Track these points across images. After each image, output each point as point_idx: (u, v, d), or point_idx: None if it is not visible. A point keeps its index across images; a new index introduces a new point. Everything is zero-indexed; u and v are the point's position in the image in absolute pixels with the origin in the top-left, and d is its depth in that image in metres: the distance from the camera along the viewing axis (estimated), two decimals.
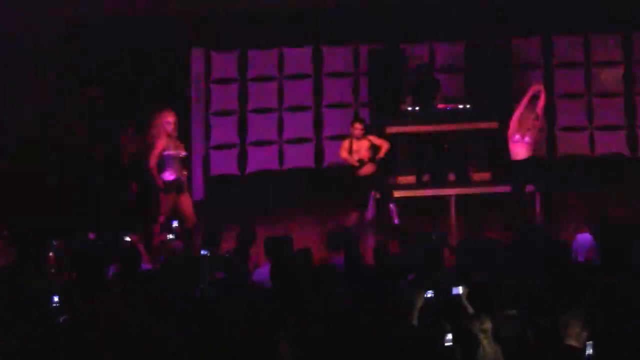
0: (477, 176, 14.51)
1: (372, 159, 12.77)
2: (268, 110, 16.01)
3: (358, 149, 12.74)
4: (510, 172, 12.74)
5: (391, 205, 12.75)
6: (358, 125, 12.91)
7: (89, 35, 14.80)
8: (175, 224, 10.27)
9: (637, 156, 15.66)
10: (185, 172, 11.87)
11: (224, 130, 16.03)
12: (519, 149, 12.44)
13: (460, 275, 7.34)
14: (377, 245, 9.19)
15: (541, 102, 12.61)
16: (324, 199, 14.19)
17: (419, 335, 6.21)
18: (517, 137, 12.42)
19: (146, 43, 15.05)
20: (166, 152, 11.55)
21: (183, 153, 11.82)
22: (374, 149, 12.89)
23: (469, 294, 6.69)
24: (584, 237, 9.11)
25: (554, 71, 16.04)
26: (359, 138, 12.78)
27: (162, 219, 11.38)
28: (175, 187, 11.61)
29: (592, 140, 15.80)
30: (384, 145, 12.97)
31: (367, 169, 12.72)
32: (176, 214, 11.42)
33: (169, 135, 11.57)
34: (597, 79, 15.91)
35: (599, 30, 15.83)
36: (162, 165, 11.58)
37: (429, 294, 6.59)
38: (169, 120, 11.62)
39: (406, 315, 6.52)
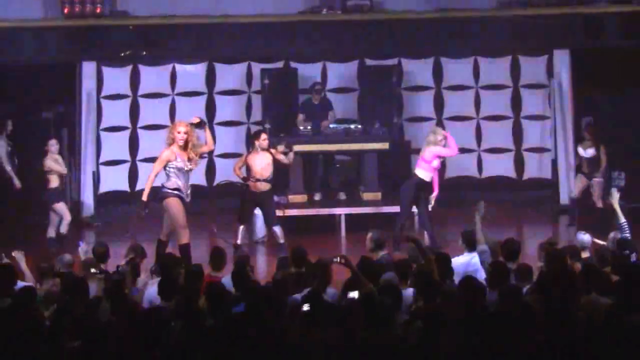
0: (368, 196, 14.37)
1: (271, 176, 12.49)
2: (159, 127, 15.69)
3: (257, 164, 12.34)
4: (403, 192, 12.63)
5: (275, 228, 12.40)
6: (264, 136, 12.59)
7: None
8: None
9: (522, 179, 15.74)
10: (189, 186, 11.23)
11: (115, 147, 15.68)
12: (427, 173, 12.36)
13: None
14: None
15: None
16: (214, 215, 13.89)
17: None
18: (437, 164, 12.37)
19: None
20: (172, 163, 10.98)
21: (192, 166, 11.14)
22: (279, 166, 12.60)
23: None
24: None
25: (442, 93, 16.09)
26: (263, 149, 12.41)
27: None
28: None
29: (479, 162, 15.84)
30: (288, 161, 12.77)
31: (261, 186, 12.38)
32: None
33: (180, 147, 11.00)
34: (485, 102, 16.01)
35: (487, 55, 15.91)
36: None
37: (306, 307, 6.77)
38: (179, 130, 11.05)
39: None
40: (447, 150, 12.42)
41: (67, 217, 13.16)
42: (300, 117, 14.82)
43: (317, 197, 14.62)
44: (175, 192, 10.96)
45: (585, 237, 9.41)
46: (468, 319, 6.53)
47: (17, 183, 13.53)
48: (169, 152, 10.98)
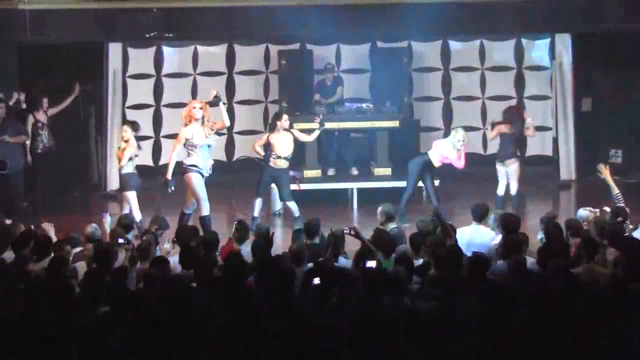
0: (379, 171, 14.41)
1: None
2: (182, 105, 15.68)
3: (279, 142, 12.37)
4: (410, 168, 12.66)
5: (288, 204, 12.43)
6: (286, 117, 12.61)
7: None
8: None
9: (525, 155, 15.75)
10: (211, 161, 11.36)
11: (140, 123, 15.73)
12: (437, 158, 12.35)
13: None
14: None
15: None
16: (234, 189, 13.95)
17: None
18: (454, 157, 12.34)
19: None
20: (191, 141, 11.11)
21: (211, 142, 11.31)
22: (296, 142, 12.64)
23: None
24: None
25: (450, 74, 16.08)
26: (285, 130, 12.45)
27: None
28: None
29: (485, 140, 15.84)
30: (310, 139, 12.88)
31: (280, 163, 12.41)
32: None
33: (197, 121, 11.14)
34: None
35: (492, 39, 15.89)
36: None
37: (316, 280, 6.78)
38: (194, 106, 11.24)
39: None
40: (456, 159, 12.34)
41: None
42: (316, 96, 14.86)
43: (330, 172, 14.66)
44: (194, 167, 11.06)
45: (584, 212, 9.49)
46: (479, 288, 6.55)
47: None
48: (187, 130, 11.11)
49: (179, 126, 11.33)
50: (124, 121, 11.61)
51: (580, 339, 5.94)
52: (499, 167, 12.48)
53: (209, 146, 11.25)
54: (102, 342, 6.06)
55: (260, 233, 9.03)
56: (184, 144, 11.14)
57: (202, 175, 11.15)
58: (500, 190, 12.39)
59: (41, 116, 13.74)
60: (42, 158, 13.78)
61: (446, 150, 12.30)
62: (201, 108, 11.15)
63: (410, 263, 7.56)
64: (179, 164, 11.21)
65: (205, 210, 11.04)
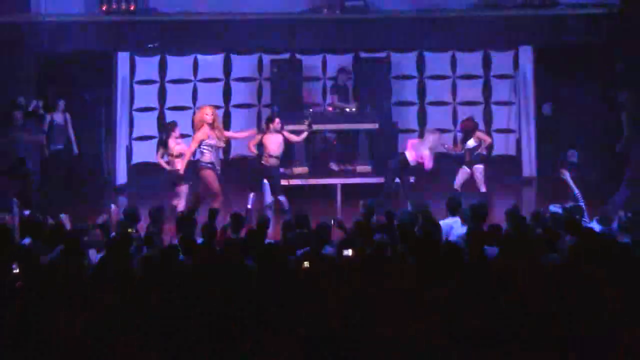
0: (360, 168, 14.43)
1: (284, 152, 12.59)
2: (183, 108, 15.75)
3: (271, 142, 12.40)
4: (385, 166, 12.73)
5: (280, 198, 12.44)
6: (278, 120, 12.63)
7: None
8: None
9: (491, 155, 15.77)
10: (219, 161, 11.95)
11: (145, 124, 15.74)
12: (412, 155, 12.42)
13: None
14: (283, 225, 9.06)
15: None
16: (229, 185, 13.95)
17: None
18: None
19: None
20: (206, 142, 11.52)
21: (222, 144, 11.85)
22: (286, 143, 12.67)
23: None
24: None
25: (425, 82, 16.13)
26: (277, 131, 12.49)
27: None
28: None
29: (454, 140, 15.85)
30: (298, 139, 12.85)
31: (272, 161, 12.43)
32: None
33: (210, 126, 11.57)
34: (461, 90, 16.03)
35: (463, 50, 15.94)
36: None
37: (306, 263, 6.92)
38: (207, 112, 11.67)
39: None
40: (426, 158, 12.42)
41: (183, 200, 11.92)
42: (333, 98, 15.06)
43: (316, 169, 14.63)
44: (210, 165, 11.46)
45: (555, 207, 9.61)
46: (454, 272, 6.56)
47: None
48: (201, 133, 11.51)
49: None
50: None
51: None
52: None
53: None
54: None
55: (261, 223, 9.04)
56: (199, 145, 11.57)
57: (216, 172, 11.56)
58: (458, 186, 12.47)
59: (59, 117, 13.73)
60: (58, 155, 13.78)
61: (420, 150, 12.33)
62: (212, 113, 11.61)
63: (386, 249, 7.55)
64: (193, 163, 11.63)
65: (217, 203, 11.30)
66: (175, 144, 12.03)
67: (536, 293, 6.01)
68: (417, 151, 12.40)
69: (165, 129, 12.62)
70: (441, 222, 8.93)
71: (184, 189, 11.87)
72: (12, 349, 5.45)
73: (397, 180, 12.78)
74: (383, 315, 5.58)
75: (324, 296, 6.04)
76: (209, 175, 11.47)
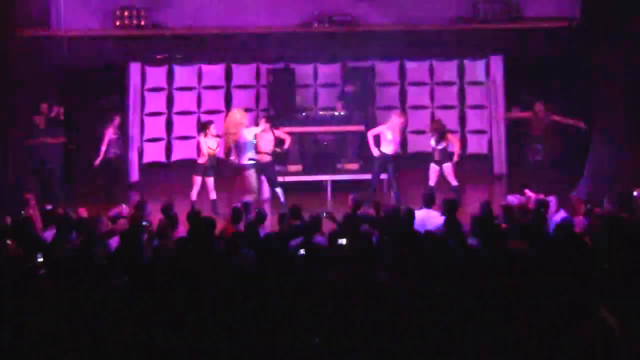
0: (349, 166, 14.57)
1: (276, 148, 12.67)
2: (189, 113, 15.85)
3: (261, 140, 12.54)
4: (373, 164, 12.81)
5: (277, 190, 12.56)
6: (264, 120, 12.77)
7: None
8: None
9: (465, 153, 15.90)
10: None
11: (155, 128, 15.82)
12: (389, 147, 12.52)
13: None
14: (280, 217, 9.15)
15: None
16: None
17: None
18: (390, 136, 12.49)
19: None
20: (241, 140, 11.92)
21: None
22: (278, 141, 12.79)
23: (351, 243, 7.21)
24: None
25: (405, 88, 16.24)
26: (265, 130, 12.62)
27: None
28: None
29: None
30: (287, 138, 12.93)
31: (264, 158, 12.56)
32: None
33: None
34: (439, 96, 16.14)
35: (440, 59, 16.06)
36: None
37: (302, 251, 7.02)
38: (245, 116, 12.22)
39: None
40: (393, 138, 12.55)
41: (197, 188, 12.27)
42: (339, 104, 15.07)
43: (308, 167, 14.71)
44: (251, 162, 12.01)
45: (511, 198, 9.70)
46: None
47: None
48: (250, 131, 12.07)
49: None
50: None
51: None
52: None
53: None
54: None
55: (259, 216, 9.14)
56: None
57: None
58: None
59: (113, 131, 13.79)
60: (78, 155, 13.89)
61: (382, 132, 12.55)
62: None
63: (370, 239, 7.64)
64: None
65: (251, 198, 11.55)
66: (213, 141, 12.28)
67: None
68: (384, 136, 12.52)
69: (202, 127, 12.66)
70: (416, 212, 9.04)
71: (198, 179, 12.21)
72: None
73: (383, 176, 12.92)
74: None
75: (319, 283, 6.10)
76: (251, 175, 11.86)
